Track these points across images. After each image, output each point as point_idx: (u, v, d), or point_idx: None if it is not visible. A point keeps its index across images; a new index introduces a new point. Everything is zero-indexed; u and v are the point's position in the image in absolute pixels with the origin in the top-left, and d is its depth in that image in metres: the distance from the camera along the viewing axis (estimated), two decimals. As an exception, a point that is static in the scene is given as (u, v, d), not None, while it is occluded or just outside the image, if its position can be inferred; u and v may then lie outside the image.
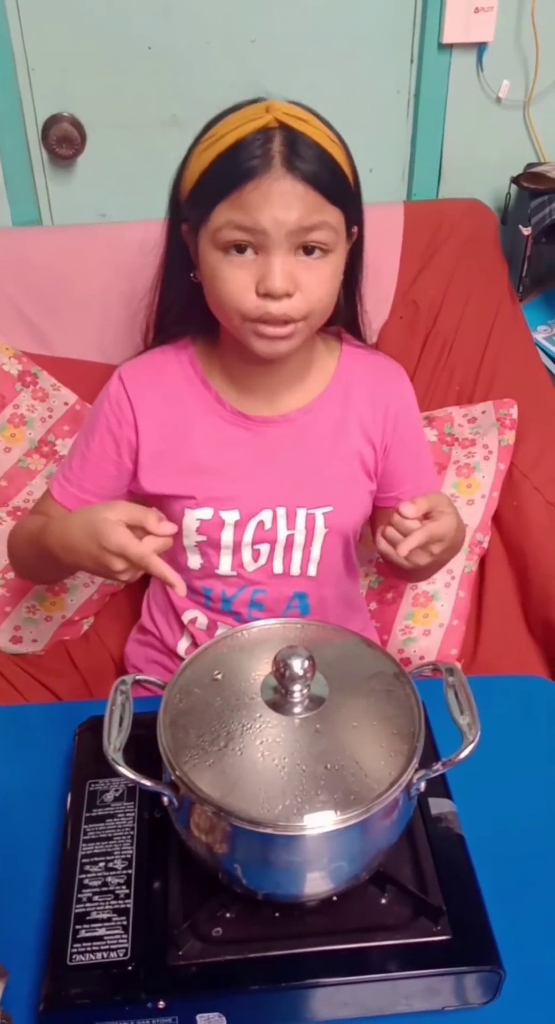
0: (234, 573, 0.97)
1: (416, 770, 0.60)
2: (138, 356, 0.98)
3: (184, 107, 1.32)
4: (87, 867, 0.66)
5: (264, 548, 0.95)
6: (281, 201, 0.77)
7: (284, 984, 0.60)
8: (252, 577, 0.97)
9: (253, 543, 0.95)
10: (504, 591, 1.20)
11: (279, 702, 0.61)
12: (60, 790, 0.76)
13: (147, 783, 0.60)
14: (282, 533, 0.95)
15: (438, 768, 0.61)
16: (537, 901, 0.69)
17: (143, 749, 0.71)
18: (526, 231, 1.36)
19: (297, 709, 0.61)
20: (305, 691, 0.61)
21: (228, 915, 0.63)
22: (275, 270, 0.78)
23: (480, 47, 1.38)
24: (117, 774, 0.59)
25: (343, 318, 0.96)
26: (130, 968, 0.60)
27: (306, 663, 0.60)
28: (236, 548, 0.95)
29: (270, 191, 0.77)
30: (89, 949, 0.61)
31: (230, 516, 0.93)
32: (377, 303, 1.40)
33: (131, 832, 0.69)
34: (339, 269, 0.85)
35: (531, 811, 0.76)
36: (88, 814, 0.70)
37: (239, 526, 0.94)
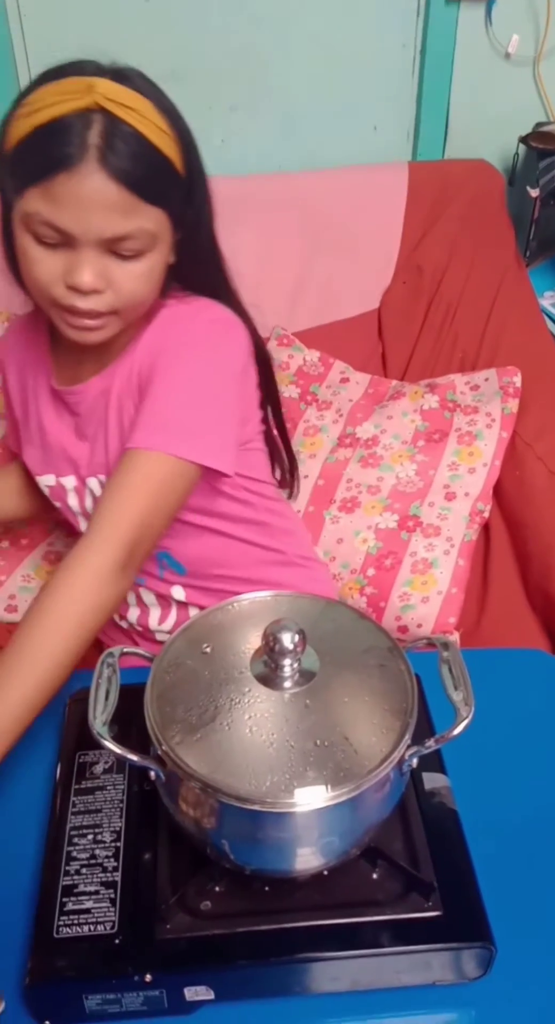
0: None
1: (408, 746, 0.58)
2: (26, 313, 0.97)
3: (183, 61, 1.28)
4: (75, 839, 0.66)
5: None
6: (92, 203, 0.73)
7: (272, 959, 0.60)
8: None
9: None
10: (504, 561, 1.18)
11: (269, 676, 0.60)
12: (51, 761, 0.75)
13: (133, 758, 0.59)
14: None
15: (430, 745, 0.60)
16: (530, 878, 0.68)
17: (132, 722, 0.70)
18: (534, 192, 1.32)
19: (287, 684, 0.60)
20: (295, 665, 0.60)
21: (217, 889, 0.63)
22: (81, 268, 0.75)
23: (489, 0, 1.34)
24: (101, 745, 0.58)
25: (205, 290, 0.89)
26: (117, 941, 0.60)
27: (296, 637, 0.59)
28: (85, 515, 0.96)
29: (80, 189, 0.72)
30: (76, 922, 0.61)
31: (68, 481, 0.95)
32: (379, 267, 1.38)
33: (120, 805, 0.68)
34: (158, 264, 0.80)
35: (527, 787, 0.75)
36: (77, 786, 0.70)
37: (78, 492, 0.95)
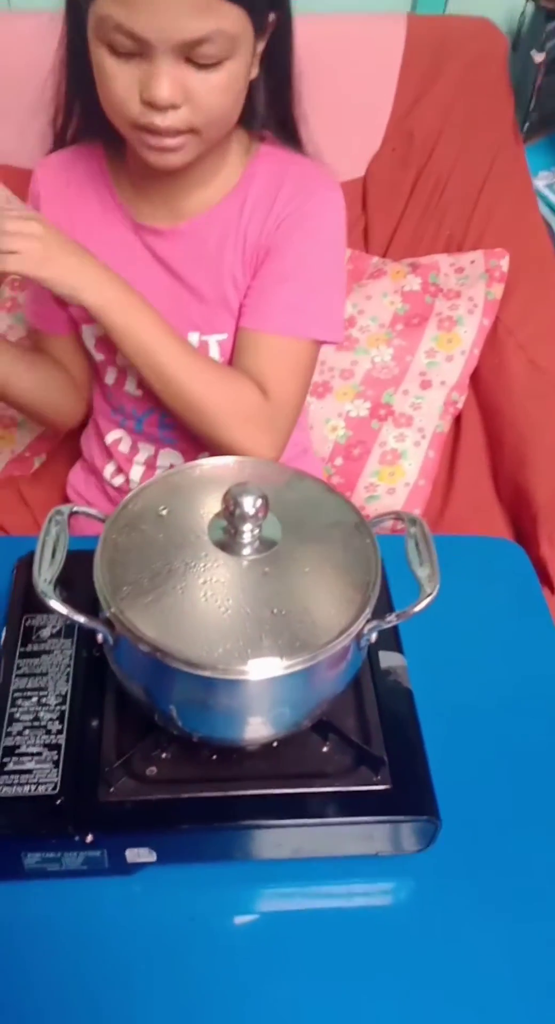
0: (139, 393, 0.93)
1: (368, 620, 0.56)
2: (55, 152, 0.90)
3: None
4: (19, 701, 0.63)
5: None
6: (166, 5, 0.66)
7: (216, 825, 0.59)
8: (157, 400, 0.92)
9: None
10: (474, 452, 1.15)
11: (227, 542, 0.57)
12: (1, 623, 0.72)
13: (80, 618, 0.56)
14: None
15: (391, 619, 0.58)
16: (479, 758, 0.68)
17: (82, 586, 0.67)
18: (539, 57, 1.22)
19: (246, 551, 0.57)
20: (256, 532, 0.57)
21: (164, 755, 0.61)
22: (158, 79, 0.70)
23: None
24: (48, 608, 0.55)
25: (269, 121, 0.85)
26: (58, 802, 0.58)
27: (258, 502, 0.55)
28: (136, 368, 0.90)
29: None
30: (17, 782, 0.59)
31: None
32: (367, 131, 1.28)
33: (67, 669, 0.66)
34: (239, 75, 0.74)
35: (484, 672, 0.75)
36: (23, 649, 0.67)
37: None
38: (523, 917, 0.61)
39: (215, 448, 0.85)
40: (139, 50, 0.69)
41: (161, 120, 0.72)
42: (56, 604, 0.54)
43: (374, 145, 1.24)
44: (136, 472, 1.00)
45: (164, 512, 0.60)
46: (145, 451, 0.98)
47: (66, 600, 0.55)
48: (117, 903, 0.60)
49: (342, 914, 0.61)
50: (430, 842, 0.62)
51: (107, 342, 0.89)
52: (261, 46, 0.77)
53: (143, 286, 0.85)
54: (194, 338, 0.88)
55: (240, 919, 0.61)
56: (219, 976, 0.57)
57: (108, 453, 1.01)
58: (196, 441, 0.93)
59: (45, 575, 0.56)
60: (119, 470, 1.01)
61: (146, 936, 0.59)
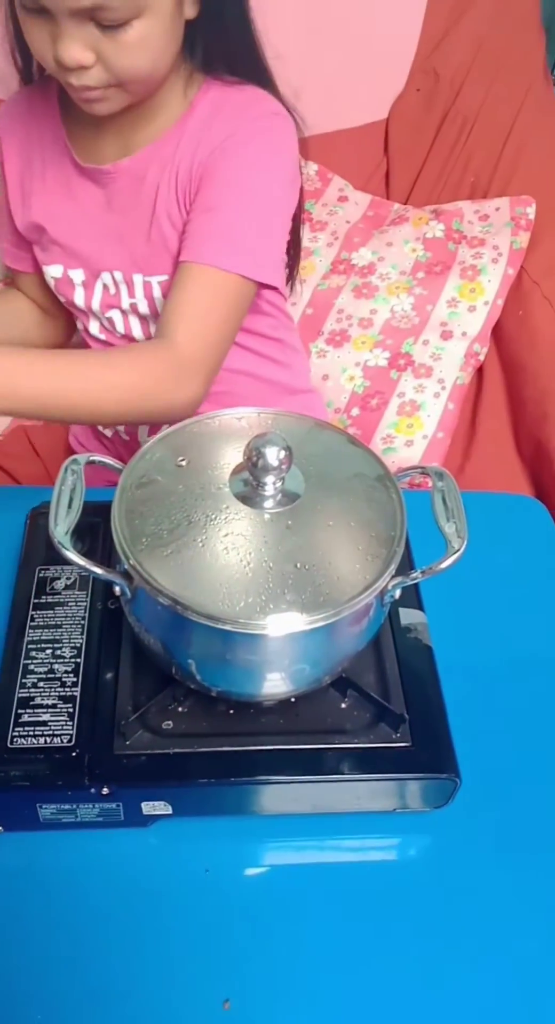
0: (103, 338, 0.91)
1: (393, 576, 0.55)
2: (19, 90, 0.88)
3: None
4: (33, 653, 0.62)
5: (116, 316, 0.88)
6: None
7: (233, 779, 0.58)
8: (121, 344, 0.90)
9: (104, 308, 0.88)
10: (495, 407, 1.13)
11: (249, 495, 0.55)
12: (10, 575, 0.71)
13: (97, 570, 0.54)
14: (125, 301, 0.86)
15: (416, 576, 0.56)
16: (499, 716, 0.67)
17: (98, 538, 0.66)
18: (573, -8, 1.17)
19: (268, 503, 0.55)
20: (278, 484, 0.55)
21: (180, 709, 0.60)
22: (61, 42, 0.68)
23: None
24: (64, 559, 0.54)
25: (215, 60, 0.79)
26: (74, 754, 0.57)
27: (282, 453, 0.54)
28: (92, 313, 0.89)
29: None
30: (32, 734, 0.58)
31: (76, 275, 0.87)
32: (391, 70, 1.23)
33: (82, 622, 0.65)
34: (153, 32, 0.70)
35: (505, 630, 0.74)
36: (37, 600, 0.66)
37: (87, 287, 0.87)
38: (541, 875, 0.60)
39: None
40: (42, 10, 0.67)
41: (75, 79, 0.70)
42: (73, 556, 0.53)
43: (398, 85, 1.19)
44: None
45: (183, 463, 0.58)
46: None
47: (82, 552, 0.54)
48: (132, 855, 0.60)
49: (359, 868, 0.61)
50: (449, 799, 0.61)
51: (65, 285, 0.88)
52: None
53: (88, 227, 0.84)
54: (138, 279, 0.85)
55: (255, 872, 0.61)
56: (232, 929, 0.57)
57: None
58: None
59: (62, 526, 0.54)
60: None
61: (161, 887, 0.59)
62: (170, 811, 0.59)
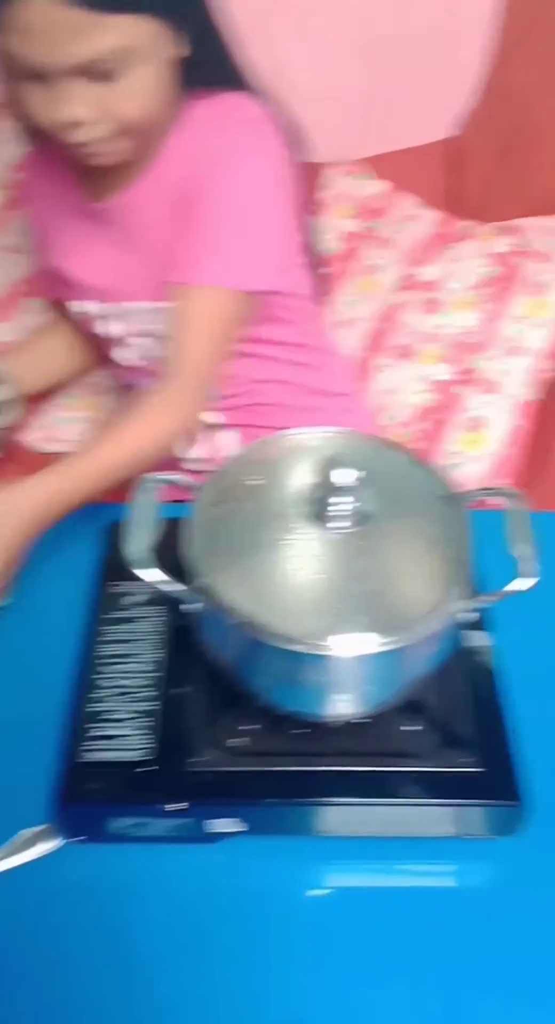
0: (127, 364, 0.93)
1: (466, 599, 0.54)
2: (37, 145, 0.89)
3: None
4: (104, 668, 0.64)
5: (136, 342, 0.90)
6: (42, 30, 0.65)
7: (301, 799, 0.59)
8: (151, 370, 0.89)
9: (124, 337, 0.90)
10: (565, 425, 1.10)
11: (320, 515, 0.56)
12: (86, 592, 0.73)
13: (170, 588, 0.56)
14: (145, 327, 0.87)
15: (488, 599, 0.56)
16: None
17: (169, 555, 0.67)
18: None
19: (339, 524, 0.55)
20: (349, 505, 0.55)
21: (251, 727, 0.61)
22: (59, 103, 0.69)
23: None
24: (136, 576, 0.55)
25: (211, 81, 0.78)
26: (147, 769, 0.59)
27: (354, 474, 0.54)
28: (117, 342, 0.91)
29: (28, 15, 0.64)
30: (105, 748, 0.60)
31: (93, 309, 0.89)
32: (460, 86, 1.22)
33: (156, 638, 0.66)
34: (151, 76, 0.71)
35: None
36: (110, 616, 0.67)
37: (105, 319, 0.89)
38: None
39: None
40: (36, 75, 0.68)
41: (78, 136, 0.71)
42: (148, 573, 0.54)
43: (467, 102, 1.18)
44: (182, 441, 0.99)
45: (255, 483, 0.59)
46: None
47: (155, 569, 0.55)
48: (203, 870, 0.60)
49: (422, 893, 0.60)
50: (515, 827, 0.60)
51: (86, 319, 0.91)
52: (174, 28, 0.71)
53: (101, 263, 0.86)
54: (148, 307, 0.85)
55: (319, 893, 0.61)
56: (294, 946, 0.57)
57: None
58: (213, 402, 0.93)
59: (137, 544, 0.55)
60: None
61: (226, 904, 0.59)
62: (239, 828, 0.60)
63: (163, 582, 0.55)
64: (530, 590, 0.55)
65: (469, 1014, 0.55)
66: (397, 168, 1.21)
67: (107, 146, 0.74)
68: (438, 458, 1.11)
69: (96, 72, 0.68)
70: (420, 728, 0.62)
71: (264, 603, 0.52)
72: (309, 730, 0.61)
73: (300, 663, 0.53)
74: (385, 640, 0.52)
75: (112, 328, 0.90)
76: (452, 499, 0.60)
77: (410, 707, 0.62)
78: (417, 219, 1.26)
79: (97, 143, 0.73)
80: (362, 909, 0.59)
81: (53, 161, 0.86)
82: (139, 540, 0.56)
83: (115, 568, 0.70)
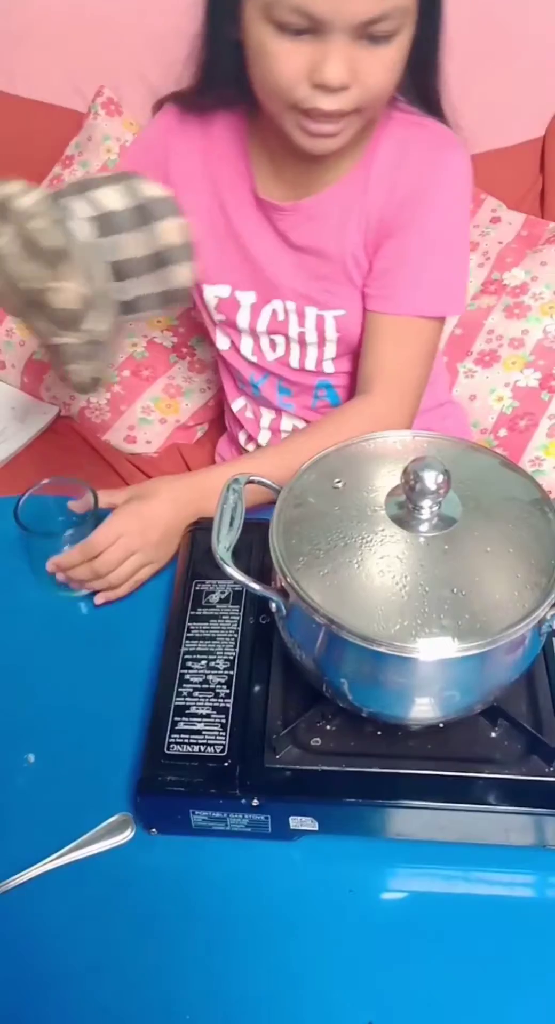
0: (254, 359, 0.93)
1: (552, 606, 0.53)
2: (184, 98, 0.84)
3: None
4: (189, 663, 0.65)
5: (279, 340, 0.90)
6: None
7: (379, 801, 0.59)
8: (272, 367, 0.93)
9: (269, 331, 0.90)
10: None
11: (405, 517, 0.56)
12: (168, 589, 0.75)
13: (256, 586, 0.56)
14: (294, 329, 0.88)
15: (576, 606, 0.54)
16: None
17: (254, 555, 0.68)
18: None
19: (424, 527, 0.55)
20: (435, 508, 0.55)
21: (329, 727, 0.61)
22: (333, 61, 0.66)
23: None
24: (225, 574, 0.56)
25: (410, 89, 0.78)
26: (226, 764, 0.59)
27: (440, 477, 0.54)
28: (254, 334, 0.91)
29: None
30: (187, 741, 0.61)
31: (246, 297, 0.88)
32: (547, 86, 1.20)
33: (235, 635, 0.67)
34: (407, 47, 0.69)
35: None
36: (193, 612, 0.69)
37: (255, 310, 0.89)
38: None
39: None
40: (311, 28, 0.65)
41: (328, 103, 0.68)
42: (234, 572, 0.55)
43: (554, 101, 1.16)
44: (264, 437, 1.00)
45: (339, 484, 0.59)
46: (267, 416, 0.99)
47: (239, 568, 0.56)
48: (278, 867, 0.61)
49: (498, 903, 0.59)
50: (600, 840, 0.59)
51: (230, 305, 0.90)
52: (420, 9, 0.70)
53: (262, 254, 0.85)
54: (311, 312, 0.86)
55: (393, 896, 0.61)
56: (371, 950, 0.57)
57: (238, 421, 1.02)
58: (314, 410, 0.94)
59: (223, 543, 0.56)
60: (250, 437, 1.02)
61: (303, 902, 0.59)
62: (316, 827, 0.60)
63: (249, 580, 0.56)
64: None
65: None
66: (481, 170, 1.20)
67: (343, 123, 0.71)
68: (522, 465, 1.09)
69: (374, 32, 0.66)
70: (502, 734, 0.61)
71: (347, 604, 0.53)
72: (387, 732, 0.60)
73: (382, 664, 0.53)
74: (468, 645, 0.51)
75: (260, 321, 0.89)
76: (541, 503, 0.59)
77: (493, 713, 0.61)
78: (501, 222, 1.24)
79: (338, 117, 0.70)
80: (436, 915, 0.59)
81: (227, 136, 0.84)
82: (226, 538, 0.57)
83: (202, 565, 0.71)
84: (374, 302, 0.83)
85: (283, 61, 0.67)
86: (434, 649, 0.51)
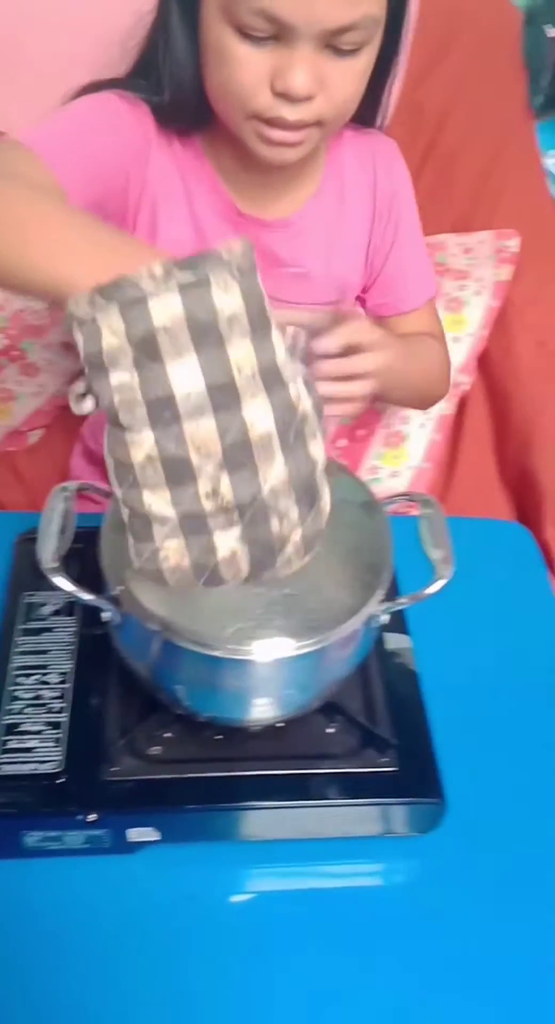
0: None
1: (381, 602, 0.55)
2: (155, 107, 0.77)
3: None
4: (19, 679, 0.62)
5: None
6: None
7: (220, 805, 0.58)
8: None
9: None
10: (480, 436, 1.14)
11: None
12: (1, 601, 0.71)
13: (86, 596, 0.55)
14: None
15: (403, 602, 0.57)
16: (485, 740, 0.68)
17: (86, 563, 0.66)
18: (552, 32, 1.20)
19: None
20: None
21: (167, 735, 0.60)
22: (297, 69, 0.62)
23: None
24: (53, 585, 0.54)
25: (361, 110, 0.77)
26: (60, 781, 0.57)
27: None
28: None
29: None
30: (18, 760, 0.58)
31: None
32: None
33: (69, 647, 0.65)
34: (372, 60, 0.68)
35: (488, 653, 0.74)
36: (23, 626, 0.66)
37: None
38: (529, 900, 0.60)
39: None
40: (277, 34, 0.62)
41: (291, 113, 0.65)
42: (62, 581, 0.53)
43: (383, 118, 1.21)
44: None
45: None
46: None
47: (69, 578, 0.54)
48: (118, 881, 0.59)
49: (346, 894, 0.61)
50: (435, 824, 0.61)
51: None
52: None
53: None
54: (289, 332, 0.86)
55: (242, 898, 0.61)
56: (220, 955, 0.57)
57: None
58: None
59: (50, 552, 0.54)
60: None
61: (147, 914, 0.58)
62: (157, 837, 0.59)
63: (78, 590, 0.54)
64: (449, 591, 0.56)
65: (399, 1010, 0.55)
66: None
67: (304, 134, 0.68)
68: (360, 473, 1.13)
69: (341, 42, 0.63)
70: (339, 730, 0.62)
71: (181, 609, 0.52)
72: (227, 735, 0.60)
73: (219, 669, 0.53)
74: (302, 643, 0.52)
75: None
76: (370, 505, 0.61)
77: (330, 709, 0.62)
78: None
79: (300, 128, 0.67)
80: (286, 912, 0.59)
81: (192, 146, 0.77)
82: (54, 548, 0.55)
83: (32, 576, 0.68)
84: (388, 307, 0.88)
85: (245, 67, 0.64)
86: (270, 649, 0.52)
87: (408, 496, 0.63)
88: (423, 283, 0.90)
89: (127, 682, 0.62)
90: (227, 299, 0.43)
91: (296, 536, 0.48)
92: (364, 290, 0.90)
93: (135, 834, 0.58)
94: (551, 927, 0.59)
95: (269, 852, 0.61)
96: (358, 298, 0.90)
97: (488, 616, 0.77)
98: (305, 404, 0.47)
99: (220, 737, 0.61)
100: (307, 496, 0.48)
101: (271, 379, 0.45)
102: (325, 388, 0.63)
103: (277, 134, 0.67)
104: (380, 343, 0.70)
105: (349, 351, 0.67)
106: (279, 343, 0.46)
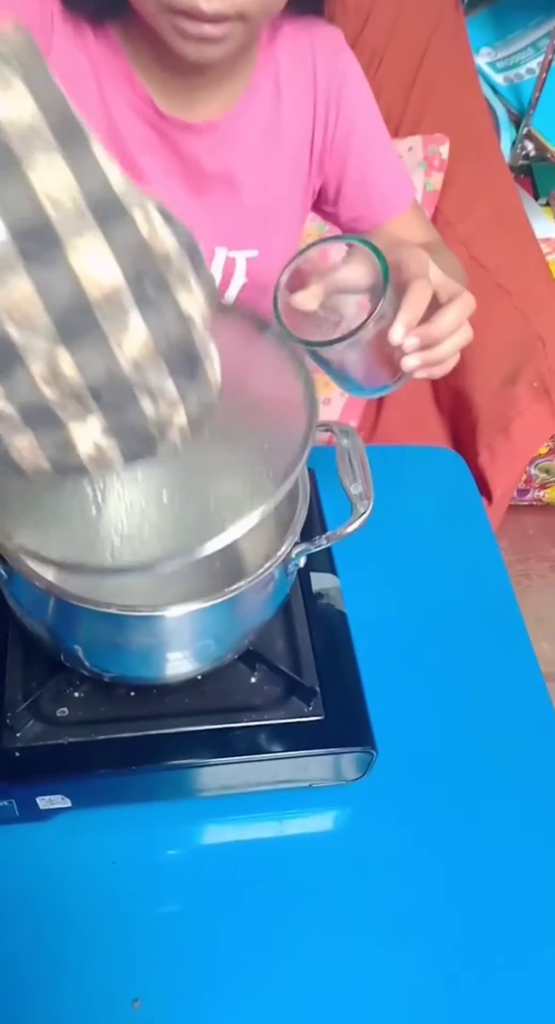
0: None
1: (295, 544, 0.51)
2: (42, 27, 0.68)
3: None
4: None
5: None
6: None
7: (136, 767, 0.55)
8: None
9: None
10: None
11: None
12: None
13: (-31, 554, 0.49)
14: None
15: (321, 543, 0.52)
16: (417, 681, 0.65)
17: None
18: None
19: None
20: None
21: (76, 694, 0.56)
22: None
23: None
24: None
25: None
26: (-42, 751, 0.53)
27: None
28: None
29: None
30: None
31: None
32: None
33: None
34: None
35: (421, 588, 0.71)
36: None
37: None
38: (459, 842, 0.59)
39: None
40: None
41: (206, 3, 0.58)
42: None
43: (302, 13, 1.12)
44: None
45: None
46: None
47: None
48: (32, 851, 0.56)
49: (277, 844, 0.58)
50: (366, 771, 0.59)
51: None
52: None
53: (161, 189, 0.72)
54: (221, 254, 0.76)
55: (167, 858, 0.58)
56: (142, 922, 0.54)
57: None
58: None
59: None
60: None
61: (64, 883, 0.55)
62: (69, 804, 0.55)
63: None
64: (379, 523, 0.53)
65: (334, 956, 0.54)
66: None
67: (225, 29, 0.60)
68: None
69: None
70: (263, 679, 0.59)
71: (75, 563, 0.47)
72: (141, 692, 0.56)
73: (122, 626, 0.48)
74: (212, 598, 0.48)
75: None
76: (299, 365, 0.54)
77: (252, 657, 0.58)
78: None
79: (220, 20, 0.59)
80: (214, 871, 0.57)
81: (108, 40, 0.68)
82: None
83: None
84: (364, 220, 0.78)
85: None
86: (176, 605, 0.47)
87: (327, 426, 0.58)
88: (397, 186, 0.79)
89: (28, 640, 0.57)
90: (11, 104, 0.31)
91: (179, 417, 0.38)
92: (331, 203, 0.80)
93: (45, 802, 0.54)
94: (481, 865, 0.58)
95: (194, 809, 0.59)
96: (326, 213, 0.82)
97: (420, 548, 0.74)
98: (166, 242, 0.35)
99: (134, 694, 0.57)
100: (184, 364, 0.37)
101: (106, 211, 0.34)
102: (412, 361, 0.54)
103: (194, 27, 0.60)
104: (447, 285, 0.57)
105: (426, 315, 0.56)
106: (108, 161, 0.34)
